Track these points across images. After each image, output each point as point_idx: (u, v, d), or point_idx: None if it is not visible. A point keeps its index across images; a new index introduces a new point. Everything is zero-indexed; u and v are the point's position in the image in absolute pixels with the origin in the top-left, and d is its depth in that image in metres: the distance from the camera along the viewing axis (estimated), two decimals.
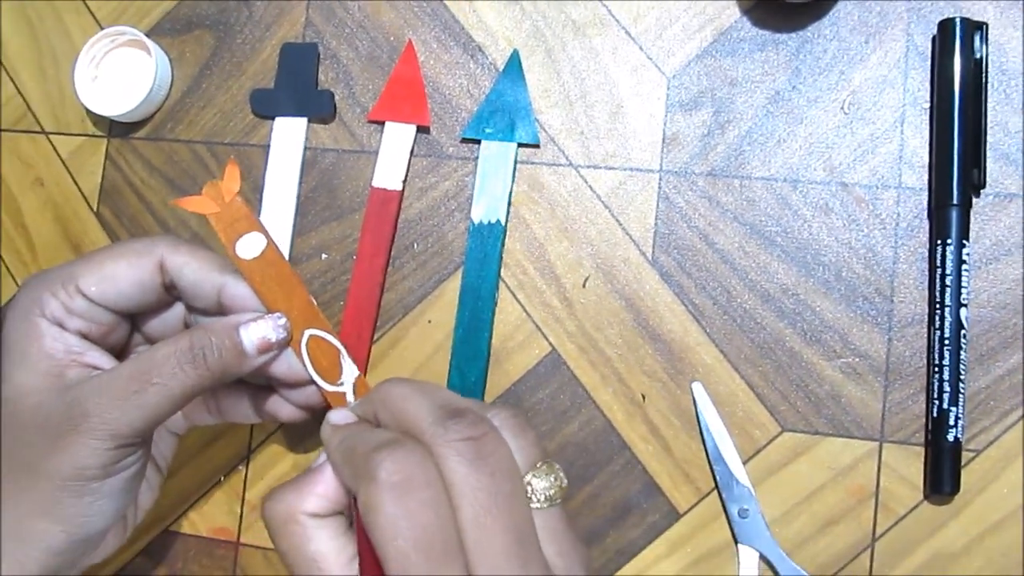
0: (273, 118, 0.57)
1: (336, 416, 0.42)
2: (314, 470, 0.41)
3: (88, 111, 0.59)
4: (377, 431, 0.39)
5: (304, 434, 0.55)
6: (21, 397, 0.45)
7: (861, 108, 0.51)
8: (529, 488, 0.38)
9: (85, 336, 0.46)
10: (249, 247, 0.47)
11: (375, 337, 0.55)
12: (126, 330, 0.49)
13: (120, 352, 0.49)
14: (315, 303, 0.47)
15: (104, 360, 0.47)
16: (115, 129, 0.60)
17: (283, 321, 0.46)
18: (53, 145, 0.60)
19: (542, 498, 0.38)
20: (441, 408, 0.38)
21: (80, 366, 0.45)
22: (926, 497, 0.49)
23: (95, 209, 0.59)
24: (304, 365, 0.47)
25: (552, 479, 0.38)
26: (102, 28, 0.60)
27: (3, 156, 0.61)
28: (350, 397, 0.47)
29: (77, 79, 0.58)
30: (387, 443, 0.37)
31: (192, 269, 0.47)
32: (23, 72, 0.62)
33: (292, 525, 0.40)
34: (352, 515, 0.39)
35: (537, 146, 0.54)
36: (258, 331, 0.46)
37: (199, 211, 0.47)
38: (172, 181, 0.58)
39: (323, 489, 0.40)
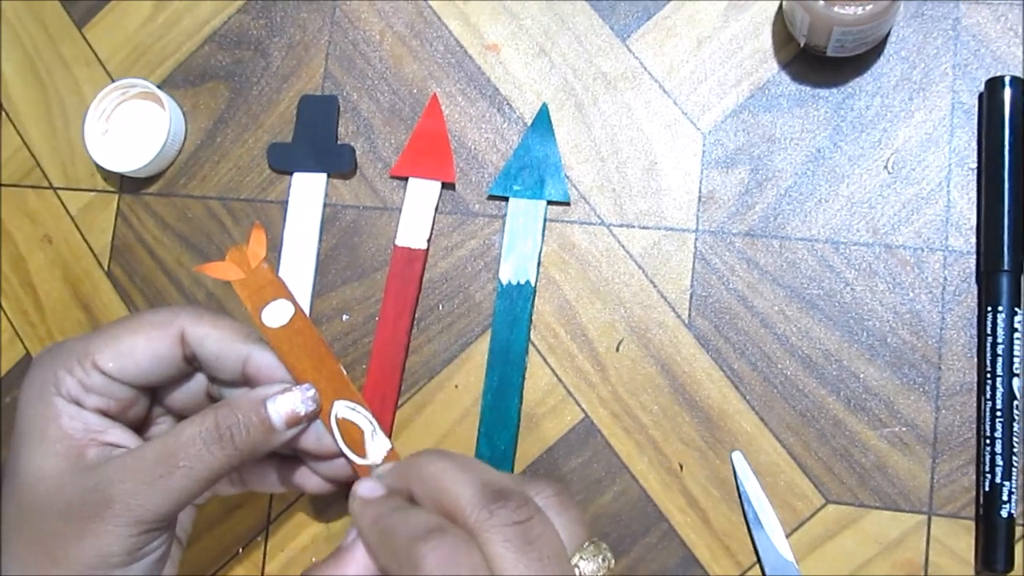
0: (291, 173, 0.55)
1: (365, 488, 0.41)
2: (346, 549, 0.40)
3: (98, 166, 0.57)
4: (416, 513, 0.38)
5: (327, 504, 0.53)
6: (40, 481, 0.43)
7: (905, 167, 0.49)
8: (576, 571, 0.37)
9: (104, 413, 0.44)
10: (276, 315, 0.45)
11: (399, 402, 0.53)
12: (146, 403, 0.47)
13: (141, 426, 0.47)
14: (345, 373, 0.45)
15: (125, 437, 0.45)
16: (126, 184, 0.58)
17: (312, 392, 0.44)
18: (62, 201, 0.58)
19: None
20: (484, 488, 0.37)
21: (100, 445, 0.44)
22: (977, 574, 0.47)
23: (106, 268, 0.57)
24: (334, 438, 0.45)
25: (600, 560, 0.37)
26: (113, 80, 0.58)
27: (9, 212, 0.59)
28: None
29: (87, 133, 0.56)
30: (431, 531, 0.35)
31: (214, 340, 0.45)
32: (31, 126, 0.59)
33: None
34: None
35: (568, 204, 0.52)
36: (286, 404, 0.44)
37: (223, 277, 0.45)
38: (186, 239, 0.56)
39: (355, 570, 0.39)
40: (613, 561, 0.37)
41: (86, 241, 0.58)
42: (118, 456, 0.43)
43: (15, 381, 0.58)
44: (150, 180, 0.57)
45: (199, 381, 0.48)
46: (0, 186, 0.59)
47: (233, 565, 0.53)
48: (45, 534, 0.43)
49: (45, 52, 0.60)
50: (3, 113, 0.60)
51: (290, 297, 0.45)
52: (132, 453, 0.43)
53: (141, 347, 0.44)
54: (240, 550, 0.53)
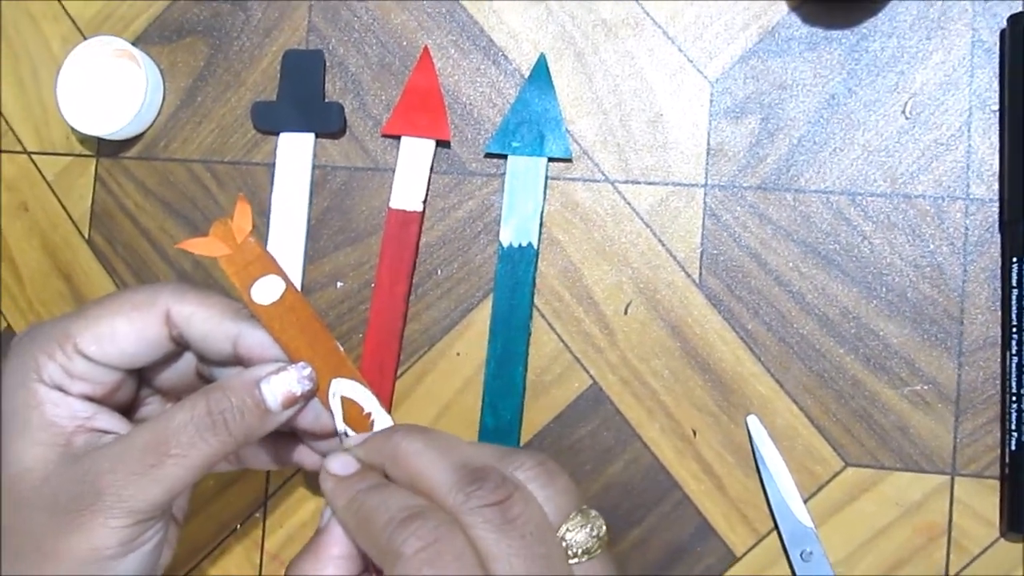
0: (277, 133, 0.52)
1: (337, 465, 0.39)
2: (324, 532, 0.39)
3: (73, 129, 0.54)
4: (394, 494, 0.36)
5: None
6: (25, 472, 0.41)
7: (923, 112, 0.47)
8: (565, 543, 0.35)
9: (90, 398, 0.42)
10: (266, 291, 0.42)
11: (399, 372, 0.51)
12: (133, 385, 0.45)
13: (129, 408, 0.45)
14: (341, 349, 0.42)
15: (113, 422, 0.43)
16: (104, 148, 0.55)
17: (308, 371, 0.42)
18: (37, 166, 0.55)
19: (580, 552, 0.35)
20: (460, 470, 0.36)
21: (87, 432, 0.42)
22: (1003, 535, 0.45)
23: (87, 236, 0.55)
24: (332, 417, 0.43)
25: (589, 530, 0.36)
26: (85, 37, 0.55)
27: None
28: None
29: (60, 94, 0.53)
30: (410, 516, 0.34)
31: (201, 319, 0.42)
32: (2, 87, 0.56)
33: None
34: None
35: (570, 160, 0.50)
36: (281, 384, 0.41)
37: (208, 254, 0.42)
38: (169, 204, 0.54)
39: (339, 550, 0.38)
40: (604, 528, 0.36)
41: (64, 208, 0.55)
42: (106, 445, 0.41)
43: None
44: (128, 143, 0.54)
45: (188, 360, 0.45)
46: None
47: (231, 542, 0.52)
48: (33, 528, 0.41)
49: (11, 7, 0.57)
50: None
51: (280, 272, 0.42)
52: (121, 441, 0.41)
53: (124, 329, 0.42)
54: (238, 526, 0.52)
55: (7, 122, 0.56)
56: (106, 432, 0.42)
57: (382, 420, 0.42)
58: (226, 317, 0.43)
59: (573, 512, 0.36)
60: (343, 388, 0.43)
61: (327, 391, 0.42)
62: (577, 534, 0.35)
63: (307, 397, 0.42)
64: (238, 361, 0.43)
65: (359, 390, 0.43)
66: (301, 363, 0.42)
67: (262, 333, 0.42)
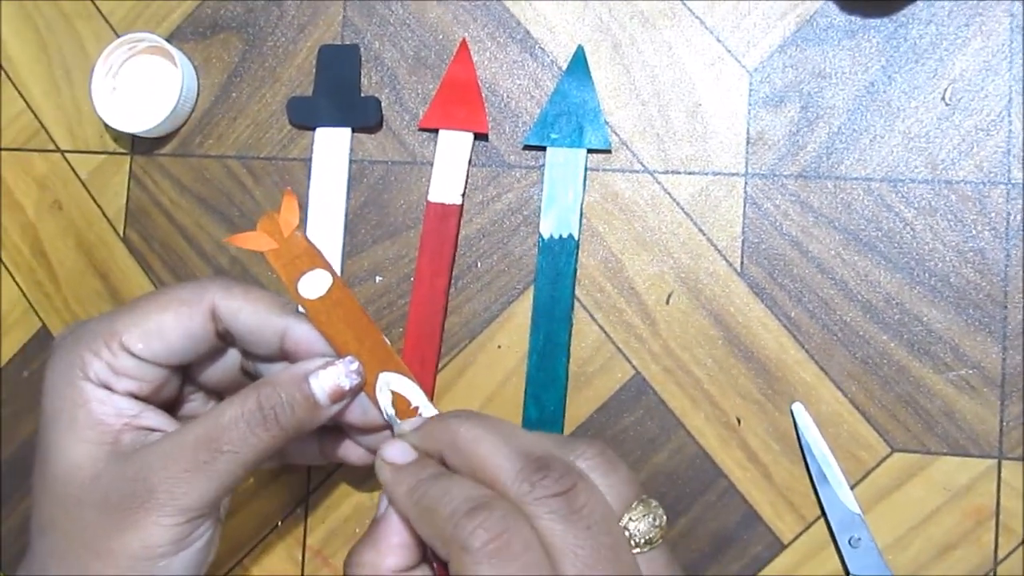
0: (313, 128, 0.52)
1: (394, 452, 0.39)
2: (383, 521, 0.38)
3: (108, 126, 0.54)
4: (457, 483, 0.36)
5: (368, 473, 0.51)
6: (74, 470, 0.41)
7: (964, 98, 0.47)
8: (627, 532, 0.35)
9: (135, 396, 0.42)
10: (313, 285, 0.42)
11: (440, 365, 0.51)
12: (178, 382, 0.45)
13: (173, 405, 0.45)
14: (388, 343, 0.42)
15: (159, 420, 0.43)
16: (138, 145, 0.55)
17: (355, 365, 0.42)
18: (71, 164, 0.55)
19: (642, 542, 0.35)
20: (523, 459, 0.35)
21: (134, 430, 0.42)
22: None
23: (122, 233, 0.54)
24: (380, 411, 0.42)
25: (651, 520, 0.36)
26: (118, 35, 0.55)
27: (15, 178, 0.56)
28: None
29: (95, 92, 0.53)
30: (476, 507, 0.34)
31: (248, 314, 0.42)
32: (33, 86, 0.56)
33: None
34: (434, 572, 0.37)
35: (609, 151, 0.50)
36: (329, 379, 0.41)
37: (255, 248, 0.42)
38: (205, 201, 0.54)
39: (399, 540, 0.38)
40: (665, 518, 0.36)
41: (99, 206, 0.55)
42: (156, 442, 0.41)
43: (33, 355, 0.55)
44: (163, 140, 0.54)
45: (232, 356, 0.46)
46: (2, 151, 0.56)
47: (273, 539, 0.52)
48: (84, 527, 0.41)
49: (44, 6, 0.57)
50: (3, 73, 0.57)
51: (327, 266, 0.42)
52: (171, 439, 0.41)
53: (170, 325, 0.42)
54: (280, 523, 0.52)
55: (40, 121, 0.56)
56: (152, 430, 0.42)
57: (429, 413, 0.42)
58: (273, 312, 0.43)
59: (634, 501, 0.36)
60: (390, 382, 0.43)
61: (374, 385, 0.42)
62: (639, 524, 0.35)
63: (355, 391, 0.42)
64: (284, 356, 0.43)
65: (406, 383, 0.43)
66: (349, 357, 0.42)
67: (309, 327, 0.42)
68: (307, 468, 0.52)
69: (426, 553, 0.38)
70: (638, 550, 0.35)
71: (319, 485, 0.51)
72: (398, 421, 0.42)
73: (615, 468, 0.37)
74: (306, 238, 0.42)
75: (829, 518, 0.46)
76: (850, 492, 0.46)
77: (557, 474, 0.35)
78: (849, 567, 0.46)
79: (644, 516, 0.35)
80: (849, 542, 0.46)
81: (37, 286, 0.55)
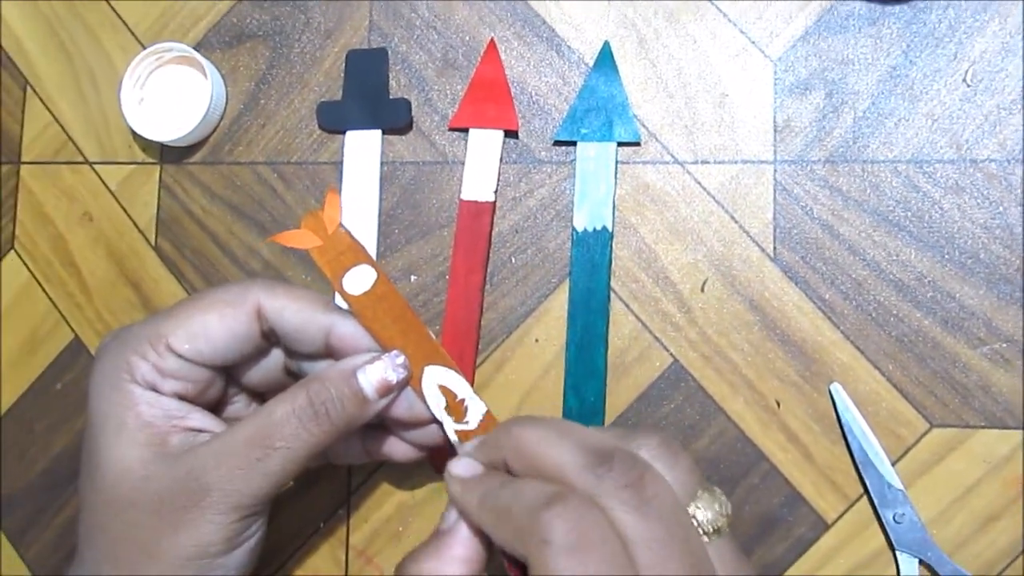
0: (344, 132, 0.53)
1: (462, 468, 0.39)
2: (449, 532, 0.38)
3: (137, 137, 0.54)
4: (528, 485, 0.36)
5: (408, 472, 0.51)
6: (125, 472, 0.41)
7: (984, 79, 0.48)
8: (695, 521, 0.36)
9: (182, 397, 0.43)
10: (358, 281, 0.43)
11: (478, 361, 0.51)
12: (222, 383, 0.45)
13: (217, 407, 0.46)
14: (433, 337, 0.43)
15: (206, 421, 0.43)
16: (167, 154, 0.55)
17: (402, 359, 0.42)
18: (99, 176, 0.56)
19: (710, 530, 0.36)
20: (587, 453, 0.35)
21: (182, 431, 0.42)
22: None
23: (153, 242, 0.55)
24: (427, 405, 0.43)
25: (717, 508, 0.36)
26: (144, 46, 0.56)
27: (44, 190, 0.56)
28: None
29: (123, 103, 0.54)
30: (552, 500, 0.34)
31: (293, 312, 0.43)
32: (60, 99, 0.57)
33: None
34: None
35: (639, 144, 0.51)
36: (377, 373, 0.42)
37: (300, 246, 0.43)
38: (236, 207, 0.54)
39: (462, 552, 0.38)
40: (730, 506, 0.36)
41: (129, 216, 0.55)
42: (207, 442, 0.41)
43: (66, 366, 0.55)
44: (192, 149, 0.55)
45: (275, 357, 0.46)
46: (22, 164, 0.57)
47: (316, 540, 0.52)
48: (136, 529, 0.41)
49: (67, 20, 0.57)
50: (28, 87, 0.57)
51: (371, 261, 0.43)
52: (222, 438, 0.41)
53: (216, 325, 0.42)
54: (322, 524, 0.52)
55: (67, 133, 0.56)
56: (200, 431, 0.43)
57: (476, 406, 0.43)
58: (317, 310, 0.43)
59: (699, 490, 0.36)
60: (436, 375, 0.43)
61: (420, 378, 0.43)
62: (706, 512, 0.36)
63: (402, 385, 0.43)
64: (328, 353, 0.44)
65: (452, 376, 0.43)
66: (395, 351, 0.42)
67: (354, 324, 0.43)
68: (347, 469, 0.52)
69: (483, 569, 0.38)
70: (706, 539, 0.35)
71: (360, 485, 0.52)
72: (451, 422, 0.42)
73: (678, 458, 0.37)
74: (350, 234, 0.43)
75: (872, 496, 0.47)
76: (891, 469, 0.47)
77: (624, 465, 0.35)
78: (895, 543, 0.47)
79: (711, 504, 0.36)
80: (893, 518, 0.47)
81: (68, 297, 0.56)
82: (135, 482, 0.41)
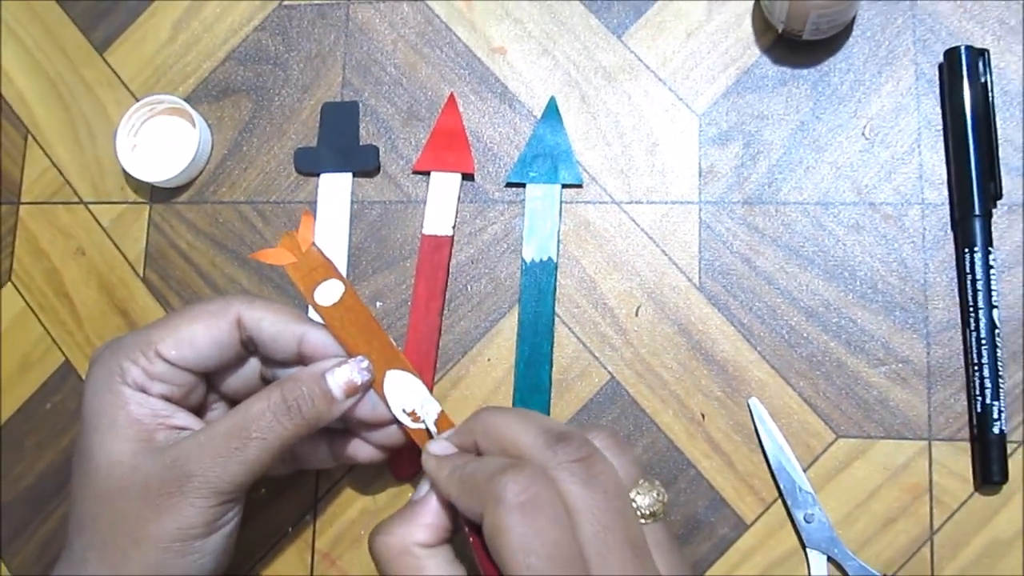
0: (318, 175, 0.59)
1: (436, 447, 0.44)
2: (419, 502, 0.43)
3: (128, 179, 0.60)
4: (491, 459, 0.41)
5: (371, 480, 0.56)
6: (115, 465, 0.45)
7: (880, 133, 0.55)
8: (634, 504, 0.40)
9: (168, 399, 0.47)
10: (328, 294, 0.48)
11: (436, 378, 0.56)
12: (204, 389, 0.50)
13: (198, 411, 0.50)
14: (394, 344, 0.48)
15: (189, 420, 0.48)
16: (157, 195, 0.61)
17: (366, 364, 0.48)
18: (93, 214, 0.61)
19: (647, 513, 0.40)
20: (545, 432, 0.40)
21: (167, 429, 0.46)
22: (977, 489, 0.52)
23: (141, 274, 0.60)
24: (387, 406, 0.48)
25: (655, 495, 0.41)
26: (137, 99, 0.62)
27: (41, 228, 0.62)
28: (433, 431, 0.48)
29: (119, 147, 0.59)
30: (508, 466, 0.39)
31: (270, 322, 0.48)
32: (58, 146, 0.62)
33: (405, 556, 0.41)
34: (470, 542, 0.41)
35: (580, 186, 0.57)
36: (343, 375, 0.47)
37: (277, 262, 0.48)
38: (219, 242, 0.60)
39: (431, 519, 0.42)
40: (666, 496, 0.41)
41: (120, 250, 0.61)
42: (190, 435, 0.46)
43: (56, 387, 0.60)
44: (180, 190, 0.61)
45: (252, 366, 0.51)
46: (21, 204, 0.62)
47: (284, 544, 0.56)
48: (124, 516, 0.45)
49: (67, 76, 0.63)
50: (28, 135, 0.63)
51: (340, 277, 0.48)
52: (204, 431, 0.46)
53: (201, 334, 0.47)
54: (290, 529, 0.56)
55: (64, 177, 0.62)
56: (183, 428, 0.47)
57: (432, 406, 0.48)
58: (291, 320, 0.48)
59: (640, 479, 0.41)
60: (397, 379, 0.48)
61: (382, 382, 0.48)
62: (644, 498, 0.40)
63: (366, 387, 0.48)
64: (300, 361, 0.49)
65: (410, 379, 0.48)
66: (360, 357, 0.48)
67: (324, 333, 0.48)
68: (315, 477, 0.56)
69: (449, 538, 0.43)
70: (643, 521, 0.40)
71: (326, 492, 0.56)
72: (410, 422, 0.48)
73: (623, 449, 0.42)
74: (321, 252, 0.49)
75: (786, 499, 0.52)
76: (803, 475, 0.53)
77: (575, 444, 0.40)
78: (805, 541, 0.52)
79: (649, 492, 0.41)
80: (804, 519, 0.52)
81: (60, 325, 0.61)
82: (124, 472, 0.45)
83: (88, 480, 0.46)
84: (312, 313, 0.53)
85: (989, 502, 0.52)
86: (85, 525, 0.46)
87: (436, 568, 0.41)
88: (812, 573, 0.52)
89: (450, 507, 0.42)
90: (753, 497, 0.53)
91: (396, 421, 0.49)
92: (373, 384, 0.48)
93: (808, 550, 0.52)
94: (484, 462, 0.41)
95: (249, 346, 0.49)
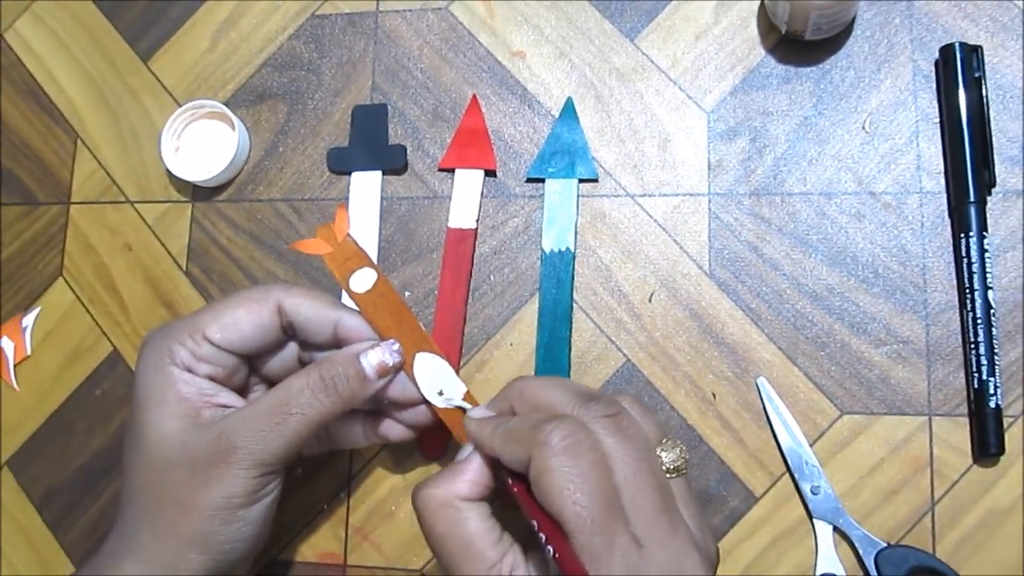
0: (349, 173, 0.63)
1: (476, 412, 0.48)
2: (462, 461, 0.46)
3: (172, 179, 0.64)
4: (532, 415, 0.44)
5: (402, 459, 0.60)
6: (164, 440, 0.49)
7: (880, 126, 0.59)
8: (660, 459, 0.44)
9: (213, 379, 0.51)
10: (361, 281, 0.52)
11: (461, 363, 0.60)
12: (246, 371, 0.53)
13: (241, 392, 0.53)
14: (423, 328, 0.52)
15: (233, 399, 0.51)
16: (198, 194, 0.65)
17: (397, 346, 0.51)
18: (139, 213, 0.65)
19: (671, 468, 0.44)
20: (577, 393, 0.44)
21: (213, 406, 0.50)
22: (975, 461, 0.54)
23: (184, 268, 0.64)
24: (416, 385, 0.51)
25: (677, 452, 0.44)
26: (179, 104, 0.66)
27: (90, 226, 0.66)
28: (466, 406, 0.51)
29: (163, 149, 0.63)
30: (551, 418, 0.42)
31: (308, 308, 0.51)
32: (105, 149, 0.67)
33: (447, 509, 0.44)
34: (514, 492, 0.44)
35: (596, 180, 0.60)
36: (376, 357, 0.50)
37: (315, 252, 0.52)
38: (257, 237, 0.63)
39: (472, 476, 0.45)
40: (687, 453, 0.45)
41: (164, 246, 0.65)
42: (235, 411, 0.49)
43: (105, 375, 0.64)
44: (220, 189, 0.65)
45: (291, 350, 0.54)
46: (71, 204, 0.66)
47: (319, 520, 0.60)
48: (173, 487, 0.49)
49: (114, 84, 0.68)
50: (78, 140, 0.67)
51: (373, 265, 0.52)
52: (248, 407, 0.49)
53: (244, 319, 0.51)
54: (325, 506, 0.60)
55: (111, 178, 0.66)
56: (227, 406, 0.50)
57: (458, 386, 0.51)
58: (328, 305, 0.52)
59: (664, 438, 0.45)
60: (425, 360, 0.52)
61: (412, 364, 0.52)
62: (669, 454, 0.44)
63: (397, 368, 0.51)
64: (336, 344, 0.52)
65: (438, 361, 0.52)
66: (391, 340, 0.51)
67: (357, 318, 0.51)
68: (348, 457, 0.60)
69: (488, 497, 0.46)
70: (667, 475, 0.44)
71: (358, 472, 0.60)
72: (439, 400, 0.51)
73: (648, 412, 0.46)
74: (356, 242, 0.52)
75: (793, 472, 0.55)
76: (809, 449, 0.56)
77: (606, 402, 0.44)
78: (812, 512, 0.55)
79: (672, 449, 0.44)
80: (811, 491, 0.55)
81: (109, 316, 0.65)
82: (173, 446, 0.49)
83: (139, 454, 0.50)
84: (346, 299, 0.57)
85: (987, 474, 0.54)
86: (136, 496, 0.50)
87: (475, 520, 0.44)
88: (819, 542, 0.54)
89: (491, 466, 0.46)
90: (762, 471, 0.56)
91: (425, 401, 0.52)
92: (403, 366, 0.51)
93: (815, 520, 0.55)
94: (526, 417, 0.44)
95: (288, 331, 0.52)
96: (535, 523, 0.41)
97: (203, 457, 0.48)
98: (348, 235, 0.52)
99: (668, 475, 0.44)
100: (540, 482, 0.41)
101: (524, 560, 0.44)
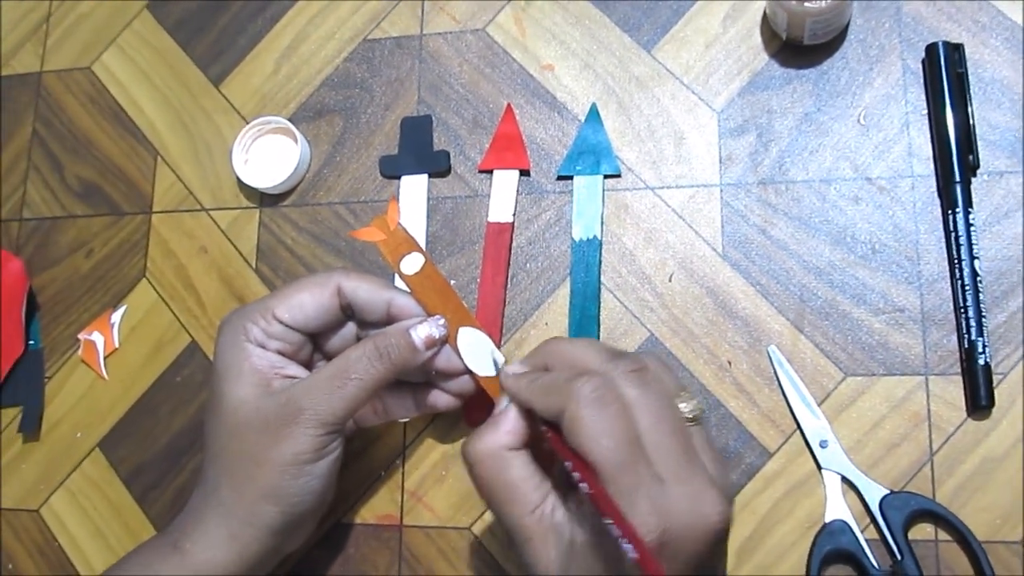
0: (399, 177, 0.70)
1: (513, 368, 0.53)
2: (500, 414, 0.51)
3: (242, 188, 0.72)
4: (563, 372, 0.49)
5: (449, 429, 0.66)
6: (241, 405, 0.55)
7: (874, 119, 0.65)
8: (678, 409, 0.49)
9: (282, 354, 0.57)
10: (411, 264, 0.59)
11: (501, 342, 0.66)
12: (311, 348, 0.60)
13: (306, 365, 0.60)
14: (465, 306, 0.58)
15: (299, 371, 0.58)
16: (265, 200, 0.73)
17: (442, 321, 0.57)
18: (213, 219, 0.73)
19: (690, 417, 0.49)
20: (605, 351, 0.50)
21: (282, 377, 0.56)
22: (968, 414, 0.60)
23: (254, 267, 0.72)
24: (460, 357, 0.58)
25: (694, 403, 0.49)
26: (247, 122, 0.74)
27: (169, 232, 0.74)
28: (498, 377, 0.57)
29: (234, 161, 0.72)
30: (581, 373, 0.47)
31: (365, 290, 0.58)
32: (182, 164, 0.75)
33: (493, 458, 0.50)
34: (548, 438, 0.49)
35: (619, 176, 0.67)
36: (424, 330, 0.57)
37: (370, 239, 0.59)
38: (318, 237, 0.71)
39: (511, 427, 0.50)
40: (703, 405, 0.50)
41: (236, 248, 0.72)
42: (300, 380, 0.56)
43: (185, 363, 0.72)
44: (284, 195, 0.72)
45: (350, 328, 0.61)
46: (153, 214, 0.74)
47: (377, 486, 0.66)
48: (249, 446, 0.55)
49: (189, 106, 0.76)
50: (158, 156, 0.76)
51: (421, 250, 0.59)
52: (312, 375, 0.56)
53: (308, 300, 0.57)
54: (383, 472, 0.66)
55: (188, 189, 0.74)
56: (294, 378, 0.57)
57: (497, 357, 0.58)
58: (382, 288, 0.58)
59: (682, 391, 0.50)
60: (468, 334, 0.58)
61: (456, 338, 0.58)
62: (687, 404, 0.49)
63: (442, 340, 0.57)
64: (389, 321, 0.58)
65: (480, 335, 0.58)
66: (437, 316, 0.58)
67: (408, 297, 0.58)
68: (403, 427, 0.67)
69: (527, 444, 0.51)
70: (687, 423, 0.48)
71: (412, 440, 0.67)
72: (480, 369, 0.57)
73: (667, 369, 0.51)
74: (406, 230, 0.59)
75: (803, 429, 0.61)
76: (818, 408, 0.61)
77: (631, 358, 0.49)
78: (821, 464, 0.60)
79: (689, 400, 0.49)
80: (820, 444, 0.61)
81: (187, 311, 0.72)
82: (248, 411, 0.55)
83: (220, 419, 0.56)
84: (397, 282, 0.64)
85: (980, 426, 0.60)
86: (217, 456, 0.57)
87: (518, 467, 0.50)
88: (828, 492, 0.60)
89: (527, 416, 0.50)
90: (775, 430, 0.62)
91: (468, 371, 0.58)
92: (448, 339, 0.58)
93: (823, 472, 0.60)
94: (558, 373, 0.49)
95: (347, 311, 0.59)
96: (569, 464, 0.46)
97: (274, 419, 0.55)
98: (399, 224, 0.59)
99: (687, 423, 0.49)
100: (573, 430, 0.46)
101: (562, 502, 0.49)
